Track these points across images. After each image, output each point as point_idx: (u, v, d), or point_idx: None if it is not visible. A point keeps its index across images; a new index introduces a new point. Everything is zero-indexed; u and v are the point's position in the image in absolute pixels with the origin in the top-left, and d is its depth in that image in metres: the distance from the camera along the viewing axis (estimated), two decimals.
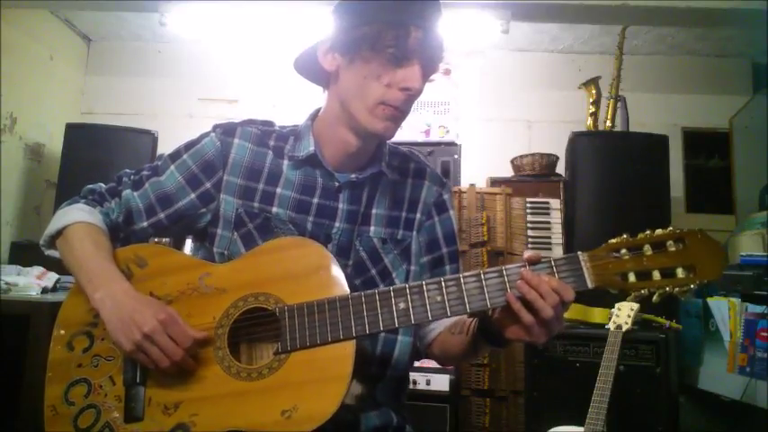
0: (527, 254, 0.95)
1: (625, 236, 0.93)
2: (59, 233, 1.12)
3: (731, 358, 2.23)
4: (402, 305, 0.96)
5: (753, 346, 2.08)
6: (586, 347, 2.32)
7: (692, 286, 0.89)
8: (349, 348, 0.95)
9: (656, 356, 2.23)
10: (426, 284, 0.96)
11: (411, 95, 1.06)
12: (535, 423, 2.31)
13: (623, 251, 0.91)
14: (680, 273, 0.89)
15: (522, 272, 0.93)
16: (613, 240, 0.93)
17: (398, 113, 1.07)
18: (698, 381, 2.43)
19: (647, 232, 0.92)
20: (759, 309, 2.13)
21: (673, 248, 0.90)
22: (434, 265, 1.22)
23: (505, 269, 0.95)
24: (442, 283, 0.96)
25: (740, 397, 2.07)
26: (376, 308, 0.96)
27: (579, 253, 0.93)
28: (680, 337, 2.46)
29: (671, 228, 0.91)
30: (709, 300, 2.43)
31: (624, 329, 1.91)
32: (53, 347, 1.07)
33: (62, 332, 1.08)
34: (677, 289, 0.89)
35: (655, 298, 0.91)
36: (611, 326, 1.94)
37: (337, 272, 1.00)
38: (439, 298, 0.95)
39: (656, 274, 0.90)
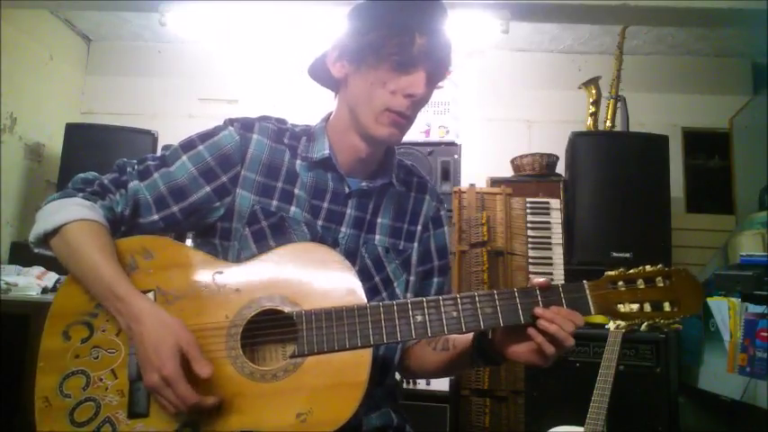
0: (538, 280, 1.01)
1: (621, 270, 1.03)
2: (55, 231, 1.02)
3: (731, 358, 2.22)
4: (419, 318, 0.99)
5: (753, 346, 2.08)
6: (586, 347, 2.32)
7: (676, 320, 1.00)
8: (366, 356, 0.96)
9: (656, 356, 2.23)
10: (443, 300, 1.00)
11: (415, 102, 1.07)
12: (535, 423, 2.32)
13: (620, 283, 1.02)
14: (666, 306, 1.00)
15: (536, 311, 0.98)
16: (612, 273, 1.03)
17: (403, 120, 1.08)
18: (698, 381, 2.43)
19: (640, 268, 1.02)
20: (759, 309, 2.12)
21: (661, 284, 1.01)
22: (424, 276, 1.24)
23: (517, 291, 1.00)
24: (458, 300, 1.00)
25: (740, 397, 2.07)
26: (394, 318, 0.98)
27: (584, 282, 1.02)
28: (680, 337, 2.46)
29: (660, 265, 1.02)
30: (709, 300, 2.42)
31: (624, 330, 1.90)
32: (46, 336, 1.00)
33: (57, 321, 1.01)
34: (662, 321, 1.00)
35: (643, 327, 1.01)
36: (611, 326, 1.93)
37: (354, 280, 1.01)
38: (455, 313, 0.99)
39: (647, 306, 1.01)
